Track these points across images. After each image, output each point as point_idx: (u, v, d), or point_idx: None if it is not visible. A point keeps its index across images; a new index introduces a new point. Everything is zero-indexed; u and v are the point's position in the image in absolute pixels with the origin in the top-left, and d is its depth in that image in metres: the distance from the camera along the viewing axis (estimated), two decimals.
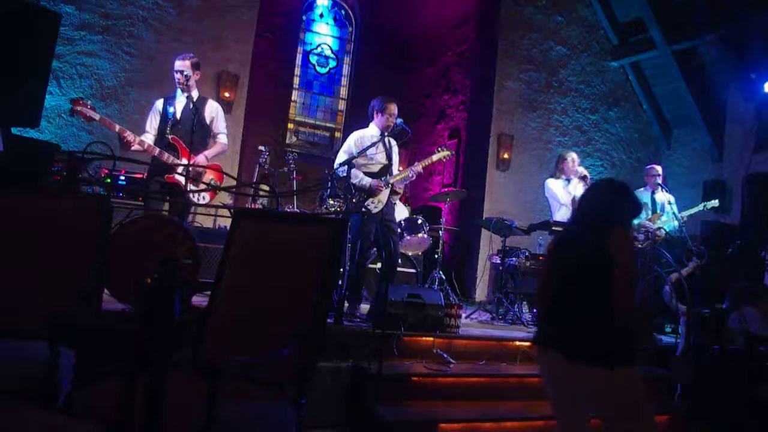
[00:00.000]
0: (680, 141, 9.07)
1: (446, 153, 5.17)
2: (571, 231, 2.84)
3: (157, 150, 4.41)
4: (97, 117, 4.31)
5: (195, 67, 4.62)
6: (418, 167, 4.86)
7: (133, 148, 4.37)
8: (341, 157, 4.74)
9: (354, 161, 4.62)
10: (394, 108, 4.79)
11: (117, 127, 4.34)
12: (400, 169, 5.03)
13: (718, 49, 7.91)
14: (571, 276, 2.53)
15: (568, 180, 5.99)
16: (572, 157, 6.02)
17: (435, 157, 5.08)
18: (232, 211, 4.14)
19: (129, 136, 4.33)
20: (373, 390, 3.62)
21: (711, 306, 4.74)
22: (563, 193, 5.95)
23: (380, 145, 4.79)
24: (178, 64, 4.57)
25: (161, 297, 1.41)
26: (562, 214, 5.93)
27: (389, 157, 4.86)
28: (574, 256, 2.55)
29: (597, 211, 2.61)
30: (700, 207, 6.54)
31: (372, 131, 4.82)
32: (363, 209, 4.53)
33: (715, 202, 6.62)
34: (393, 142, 4.98)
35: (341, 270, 4.48)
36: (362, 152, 4.66)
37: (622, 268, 2.38)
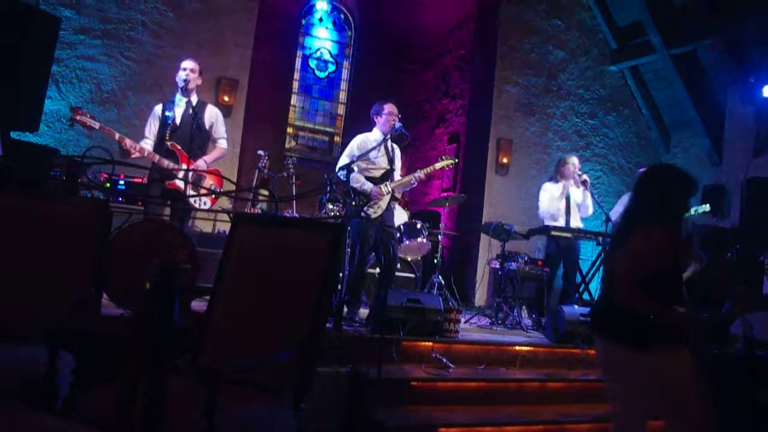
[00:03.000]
0: (679, 145, 9.07)
1: (450, 161, 5.16)
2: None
3: (157, 157, 4.41)
4: (96, 126, 4.30)
5: (199, 72, 4.67)
6: (421, 174, 4.83)
7: (133, 155, 4.37)
8: (343, 160, 4.71)
9: (356, 165, 4.61)
10: (391, 107, 4.77)
11: (117, 135, 4.33)
12: (401, 175, 5.02)
13: (717, 53, 7.92)
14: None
15: (565, 185, 5.99)
16: (573, 161, 6.01)
17: (438, 165, 5.07)
18: (231, 215, 4.15)
19: (128, 144, 4.32)
20: (372, 395, 3.61)
21: (710, 310, 4.73)
22: (548, 203, 5.97)
23: (382, 148, 4.78)
24: (186, 63, 4.60)
25: (160, 302, 1.41)
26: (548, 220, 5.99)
27: (391, 162, 4.84)
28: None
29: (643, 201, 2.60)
30: (692, 212, 6.52)
31: (375, 135, 4.80)
32: (362, 214, 4.53)
33: (705, 207, 6.60)
34: (396, 148, 4.96)
35: (340, 274, 4.48)
36: (364, 155, 4.65)
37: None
